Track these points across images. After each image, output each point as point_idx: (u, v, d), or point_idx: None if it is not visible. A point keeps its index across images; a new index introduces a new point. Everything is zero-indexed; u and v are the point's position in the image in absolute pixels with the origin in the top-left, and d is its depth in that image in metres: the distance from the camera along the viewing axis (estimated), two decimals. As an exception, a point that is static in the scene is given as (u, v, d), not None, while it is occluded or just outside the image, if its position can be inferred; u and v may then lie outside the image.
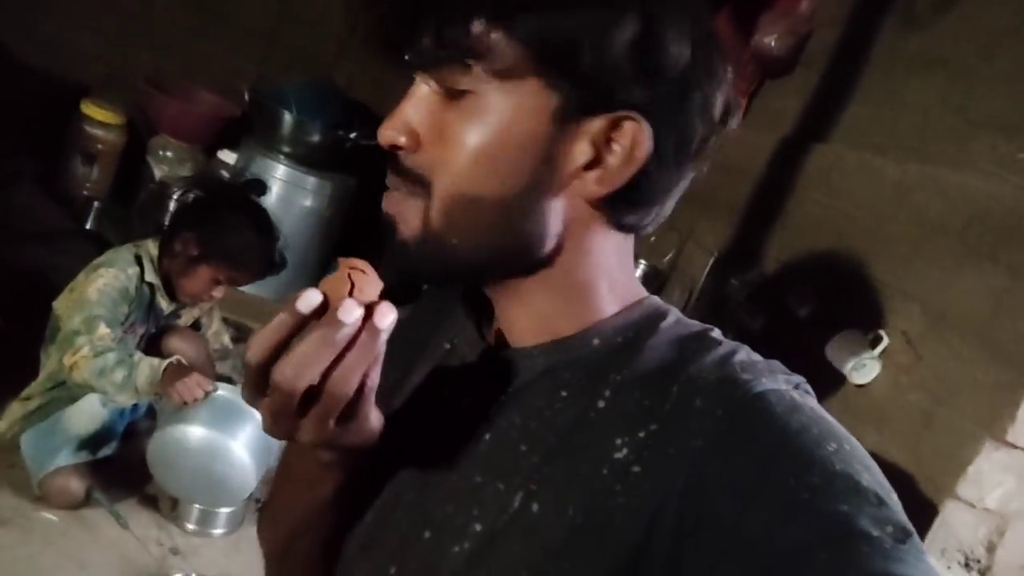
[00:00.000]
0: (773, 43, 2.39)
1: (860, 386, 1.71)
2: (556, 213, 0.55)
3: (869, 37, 2.11)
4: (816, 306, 1.95)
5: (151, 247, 1.98)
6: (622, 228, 0.58)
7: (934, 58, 1.87)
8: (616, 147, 0.54)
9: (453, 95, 0.53)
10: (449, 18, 0.50)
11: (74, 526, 1.86)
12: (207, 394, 1.78)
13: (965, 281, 1.55)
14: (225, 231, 1.93)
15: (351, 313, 0.46)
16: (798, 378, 0.54)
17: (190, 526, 1.97)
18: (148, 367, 1.75)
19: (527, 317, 0.60)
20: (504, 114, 0.52)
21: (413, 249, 0.56)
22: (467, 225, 0.55)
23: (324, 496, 0.59)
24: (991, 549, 1.43)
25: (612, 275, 0.60)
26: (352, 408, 0.50)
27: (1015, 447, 1.38)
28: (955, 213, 1.63)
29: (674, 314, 0.60)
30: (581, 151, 0.54)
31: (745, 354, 0.55)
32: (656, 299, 0.62)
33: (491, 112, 0.52)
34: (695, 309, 2.44)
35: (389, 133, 0.55)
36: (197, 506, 1.97)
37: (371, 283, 0.49)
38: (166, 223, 2.08)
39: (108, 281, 1.84)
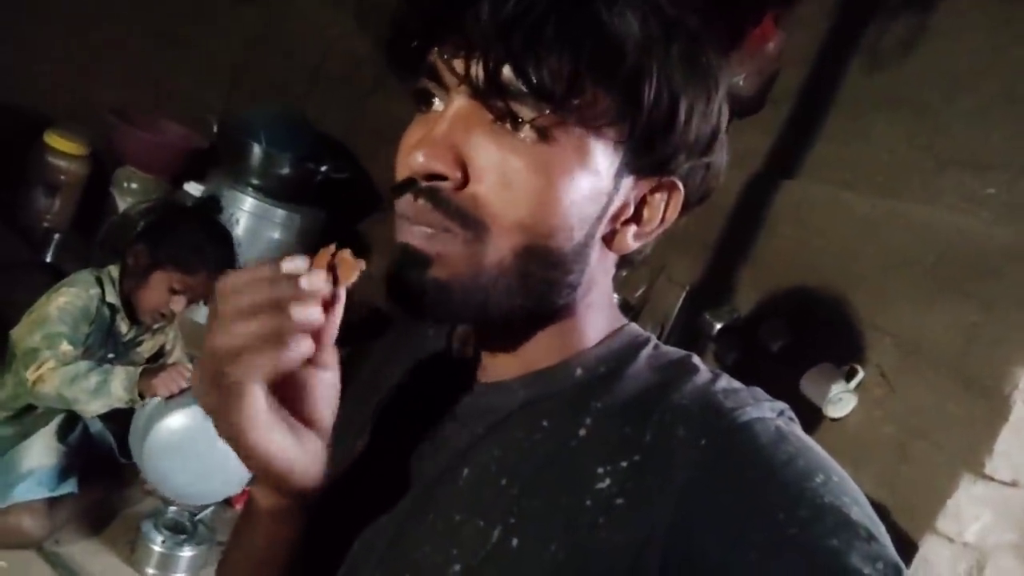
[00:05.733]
0: (741, 82, 2.42)
1: (835, 420, 1.71)
2: (592, 263, 0.55)
3: (835, 76, 2.16)
4: (789, 340, 1.96)
5: (112, 271, 1.96)
6: (621, 266, 0.59)
7: (900, 96, 1.91)
8: (653, 206, 0.56)
9: (520, 133, 0.49)
10: (546, 54, 0.47)
11: (29, 571, 1.77)
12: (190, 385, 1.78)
13: (937, 315, 1.56)
14: (174, 236, 1.93)
15: (315, 280, 0.47)
16: (781, 405, 0.53)
17: (150, 571, 1.89)
18: (124, 371, 1.74)
19: (513, 351, 0.58)
20: (583, 166, 0.50)
21: (453, 294, 0.51)
22: (524, 276, 0.52)
23: (273, 557, 0.56)
24: (971, 584, 1.43)
25: (604, 307, 0.60)
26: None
27: (993, 480, 1.38)
28: (925, 248, 1.65)
29: (653, 341, 0.60)
30: (626, 207, 0.55)
31: (726, 381, 0.54)
32: (635, 326, 0.62)
33: (572, 162, 0.50)
34: (667, 343, 2.43)
35: (429, 162, 0.49)
36: (157, 549, 1.89)
37: (353, 270, 0.50)
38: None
39: (69, 300, 1.81)
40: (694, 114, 0.52)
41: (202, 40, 3.26)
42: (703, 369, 0.55)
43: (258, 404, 0.47)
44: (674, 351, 0.59)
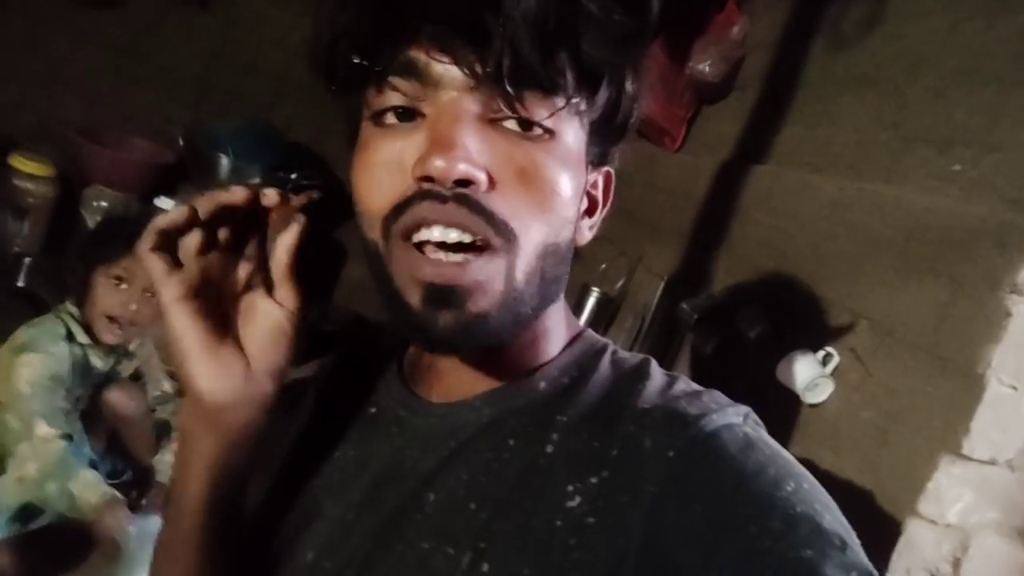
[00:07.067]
0: (707, 69, 2.41)
1: (813, 406, 1.70)
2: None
3: (799, 59, 2.15)
4: (765, 327, 1.95)
5: (69, 307, 1.90)
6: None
7: (864, 76, 1.90)
8: (596, 196, 0.57)
9: (527, 129, 0.48)
10: (556, 49, 0.46)
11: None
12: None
13: (909, 295, 1.55)
14: (93, 233, 1.99)
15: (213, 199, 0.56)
16: (744, 408, 0.52)
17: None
18: (70, 493, 1.73)
19: (480, 367, 0.57)
20: (577, 159, 0.51)
21: (492, 321, 0.49)
22: (542, 280, 0.50)
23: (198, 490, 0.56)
24: (956, 565, 1.42)
25: (563, 311, 0.59)
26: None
27: (971, 459, 1.37)
28: (894, 228, 1.64)
29: (611, 347, 0.59)
30: (584, 200, 0.55)
31: (684, 383, 0.54)
32: (591, 332, 0.61)
33: (571, 155, 0.50)
34: (648, 335, 2.43)
35: (456, 166, 0.45)
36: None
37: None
38: None
39: (36, 371, 1.76)
40: (640, 104, 0.54)
41: (162, 53, 3.20)
42: (660, 374, 0.55)
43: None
44: (632, 357, 0.58)
